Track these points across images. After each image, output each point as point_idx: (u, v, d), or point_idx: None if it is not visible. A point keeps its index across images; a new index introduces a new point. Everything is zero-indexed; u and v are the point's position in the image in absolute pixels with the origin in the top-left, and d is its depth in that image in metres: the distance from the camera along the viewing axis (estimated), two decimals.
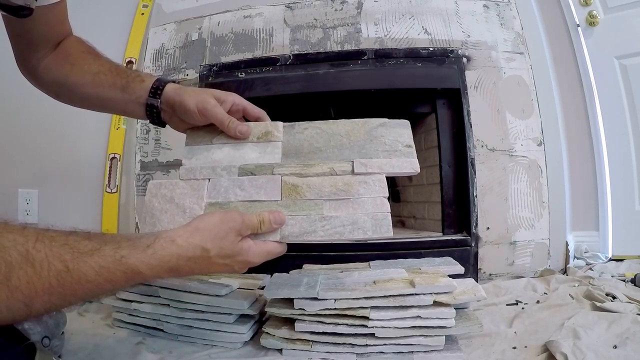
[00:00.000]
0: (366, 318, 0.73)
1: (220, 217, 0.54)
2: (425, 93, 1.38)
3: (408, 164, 0.67)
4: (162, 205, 0.64)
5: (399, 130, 0.71)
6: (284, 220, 0.61)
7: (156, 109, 0.71)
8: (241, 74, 1.43)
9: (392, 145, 0.68)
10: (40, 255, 0.38)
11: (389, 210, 0.62)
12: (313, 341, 0.76)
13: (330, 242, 1.30)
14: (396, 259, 1.12)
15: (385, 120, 0.73)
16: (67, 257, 0.40)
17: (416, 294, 0.73)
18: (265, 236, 0.60)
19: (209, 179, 0.67)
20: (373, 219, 0.61)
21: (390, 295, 0.74)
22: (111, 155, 1.58)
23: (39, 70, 0.74)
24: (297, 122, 0.74)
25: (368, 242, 1.30)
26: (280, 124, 0.74)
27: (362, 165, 0.65)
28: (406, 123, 0.72)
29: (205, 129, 0.74)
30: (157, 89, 0.71)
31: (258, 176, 0.66)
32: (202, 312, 0.83)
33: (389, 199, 0.64)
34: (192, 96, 0.69)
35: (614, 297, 0.95)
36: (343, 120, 0.72)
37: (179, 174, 0.70)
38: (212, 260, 0.52)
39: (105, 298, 0.45)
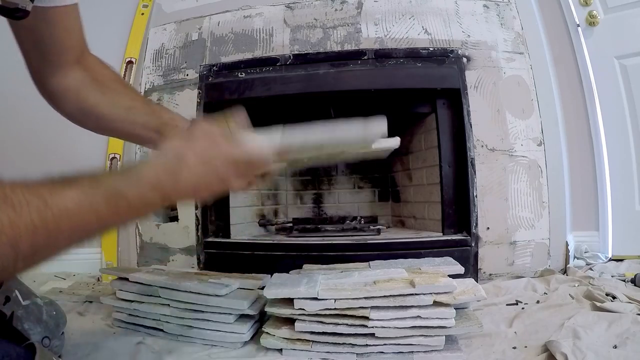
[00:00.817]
0: (366, 318, 0.73)
1: (198, 125, 0.54)
2: (425, 93, 1.38)
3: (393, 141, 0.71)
4: None
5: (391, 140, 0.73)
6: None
7: None
8: (241, 74, 1.43)
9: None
10: (18, 196, 0.37)
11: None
12: (313, 341, 0.76)
13: (330, 242, 1.31)
14: (396, 259, 1.12)
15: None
16: (44, 192, 0.38)
17: (416, 294, 0.73)
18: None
19: None
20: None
21: (390, 295, 0.74)
22: (111, 155, 1.58)
23: (59, 91, 0.69)
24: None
25: (368, 242, 1.31)
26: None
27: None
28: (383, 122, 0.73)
29: None
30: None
31: None
32: (202, 312, 0.83)
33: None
34: None
35: (614, 297, 0.95)
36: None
37: None
38: (187, 161, 0.49)
39: (96, 236, 0.41)
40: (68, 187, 0.40)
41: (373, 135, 0.61)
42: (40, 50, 0.66)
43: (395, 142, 0.71)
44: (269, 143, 0.56)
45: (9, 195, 0.36)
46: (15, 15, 0.52)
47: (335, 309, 0.74)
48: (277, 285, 0.80)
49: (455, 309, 0.74)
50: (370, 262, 1.06)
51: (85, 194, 0.40)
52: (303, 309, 0.75)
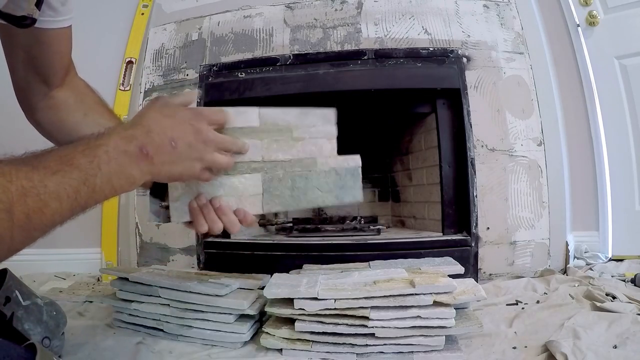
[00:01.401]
0: (366, 318, 0.73)
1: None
2: (425, 93, 1.38)
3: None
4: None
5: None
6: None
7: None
8: (241, 74, 1.43)
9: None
10: (6, 166, 0.39)
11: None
12: (313, 341, 0.76)
13: (330, 242, 1.31)
14: (396, 259, 1.12)
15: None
16: (30, 159, 0.41)
17: (416, 294, 0.73)
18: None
19: None
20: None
21: (390, 295, 0.74)
22: None
23: (42, 107, 0.72)
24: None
25: (368, 242, 1.31)
26: None
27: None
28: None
29: None
30: None
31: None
32: (202, 312, 0.83)
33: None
34: None
35: (614, 297, 0.95)
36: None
37: None
38: (163, 117, 0.52)
39: (85, 200, 0.44)
40: (49, 152, 0.43)
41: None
42: (29, 67, 0.67)
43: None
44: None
45: None
46: (22, 23, 0.54)
47: (335, 309, 0.74)
48: (277, 285, 0.80)
49: (455, 309, 0.74)
50: (370, 262, 1.06)
51: (65, 154, 0.42)
52: (303, 309, 0.75)
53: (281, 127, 0.79)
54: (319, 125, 0.80)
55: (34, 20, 0.56)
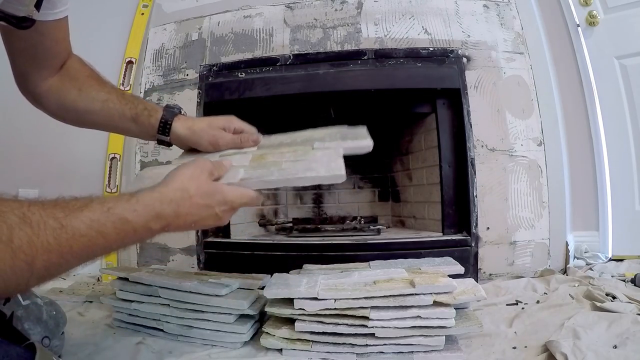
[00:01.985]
0: (366, 318, 0.73)
1: (190, 164, 0.58)
2: (425, 93, 1.38)
3: (363, 142, 0.73)
4: (149, 173, 0.73)
5: (357, 130, 0.78)
6: (230, 163, 0.66)
7: (166, 142, 0.79)
8: (241, 74, 1.43)
9: (349, 136, 0.76)
10: (36, 216, 0.40)
11: (343, 164, 0.66)
12: (313, 341, 0.76)
13: (330, 242, 1.31)
14: (396, 259, 1.12)
15: (345, 126, 0.82)
16: (59, 214, 0.42)
17: (416, 294, 0.73)
18: (226, 180, 0.62)
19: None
20: (327, 166, 0.65)
21: (390, 295, 0.74)
22: (111, 155, 1.58)
23: (42, 92, 0.74)
24: (273, 134, 0.83)
25: (368, 242, 1.31)
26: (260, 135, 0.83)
27: (321, 144, 0.73)
28: (363, 127, 0.79)
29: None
30: (166, 124, 0.77)
31: (234, 155, 0.74)
32: (202, 312, 0.83)
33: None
34: (203, 136, 0.77)
35: (614, 297, 0.95)
36: (309, 129, 0.82)
37: (173, 161, 0.81)
38: (193, 200, 0.53)
39: (101, 257, 0.47)
40: (80, 211, 0.43)
41: (335, 174, 0.64)
42: (29, 56, 0.70)
43: (366, 144, 0.74)
44: (256, 181, 0.62)
45: (27, 215, 0.39)
46: (22, 25, 0.56)
47: (335, 309, 0.74)
48: (277, 285, 0.80)
49: (455, 309, 0.74)
50: (370, 262, 1.06)
51: (96, 220, 0.44)
52: (303, 309, 0.75)
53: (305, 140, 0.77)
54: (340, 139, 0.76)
55: (33, 22, 0.57)
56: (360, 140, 0.73)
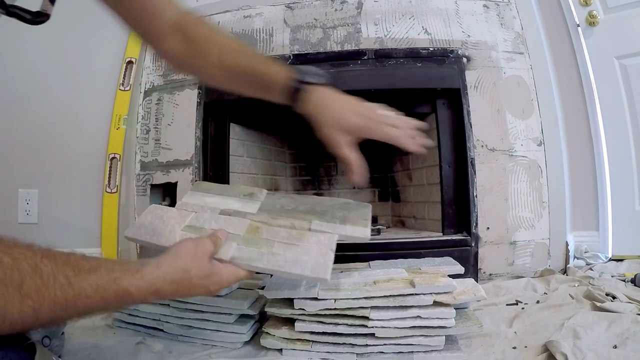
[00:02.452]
0: (366, 318, 0.73)
1: (192, 242, 0.60)
2: (425, 93, 1.38)
3: (360, 232, 0.74)
4: (152, 219, 0.75)
5: (361, 209, 0.80)
6: (226, 235, 0.67)
7: (299, 93, 0.70)
8: None
9: (350, 217, 0.76)
10: (47, 269, 0.42)
11: (332, 260, 0.66)
12: (313, 341, 0.76)
13: None
14: (396, 259, 1.12)
15: (350, 201, 0.84)
16: (69, 272, 0.44)
17: (416, 294, 0.73)
18: (218, 254, 0.64)
19: (196, 212, 0.79)
20: (315, 262, 0.66)
21: (390, 295, 0.74)
22: (111, 155, 1.58)
23: (165, 51, 0.73)
24: (278, 192, 0.88)
25: (368, 242, 1.30)
26: (265, 190, 0.87)
27: (318, 225, 0.74)
28: (368, 205, 0.81)
29: (208, 185, 0.88)
30: (299, 84, 0.70)
31: (233, 217, 0.77)
32: (202, 312, 0.83)
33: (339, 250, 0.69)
34: (341, 107, 0.69)
35: (614, 297, 0.95)
36: (314, 196, 0.87)
37: (176, 205, 0.82)
38: (192, 281, 0.56)
39: (97, 316, 0.49)
40: (88, 274, 0.46)
41: (319, 277, 0.65)
42: (134, 20, 0.71)
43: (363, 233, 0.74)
44: (244, 264, 0.64)
45: (39, 266, 0.42)
46: (36, 20, 0.56)
47: (335, 309, 0.74)
48: (277, 285, 0.80)
49: (455, 309, 0.74)
50: (370, 262, 1.06)
51: (101, 286, 0.47)
52: (303, 309, 0.75)
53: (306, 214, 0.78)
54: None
55: (48, 16, 0.58)
56: (358, 229, 0.73)
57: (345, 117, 0.69)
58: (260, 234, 0.72)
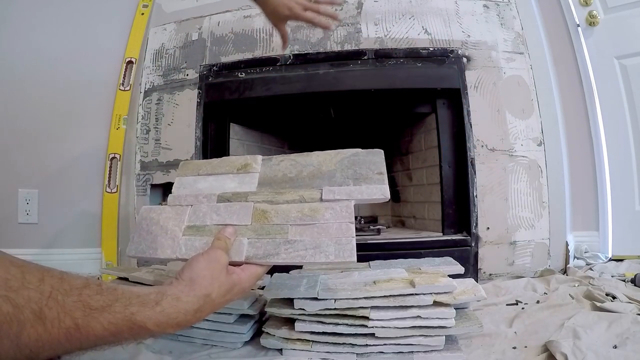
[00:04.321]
0: (366, 318, 0.73)
1: (205, 259, 0.56)
2: (425, 93, 1.38)
3: (378, 191, 0.66)
4: (149, 227, 0.69)
5: (372, 159, 0.72)
6: (234, 230, 0.64)
7: None
8: (241, 74, 1.43)
9: (363, 173, 0.69)
10: (52, 313, 0.40)
11: (354, 235, 0.61)
12: (313, 341, 0.76)
13: None
14: (396, 259, 1.12)
15: (358, 150, 0.74)
16: (78, 314, 0.41)
17: (416, 294, 0.73)
18: (231, 257, 0.61)
19: (192, 205, 0.72)
20: (337, 244, 0.60)
21: (390, 295, 0.74)
22: (111, 155, 1.58)
23: None
24: (274, 156, 0.77)
25: (368, 242, 1.31)
26: (259, 157, 0.78)
27: (330, 192, 0.66)
28: (379, 152, 0.73)
29: (195, 164, 0.81)
30: None
31: (233, 203, 0.70)
32: None
33: (356, 222, 0.63)
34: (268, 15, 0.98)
35: (614, 297, 0.95)
36: (317, 152, 0.74)
37: (167, 200, 0.76)
38: (215, 302, 0.54)
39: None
40: (101, 312, 0.42)
41: (345, 260, 0.60)
42: None
43: None
44: (262, 261, 0.60)
45: (43, 311, 0.39)
46: None
47: (335, 309, 0.74)
48: (277, 285, 0.80)
49: (455, 309, 0.74)
50: (370, 262, 1.06)
51: (115, 324, 0.43)
52: (303, 309, 0.75)
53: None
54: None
55: None
56: (374, 188, 0.66)
57: (278, 10, 0.96)
58: (268, 219, 0.65)
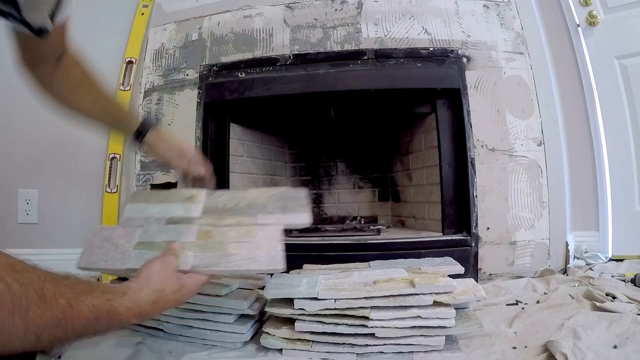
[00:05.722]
0: (366, 318, 0.73)
1: (159, 262, 0.65)
2: (425, 93, 1.38)
3: (300, 218, 0.79)
4: (100, 243, 0.77)
5: (297, 195, 0.83)
6: (181, 246, 0.72)
7: (139, 144, 0.90)
8: (241, 74, 1.43)
9: (289, 206, 0.81)
10: (50, 293, 0.45)
11: (283, 250, 0.72)
12: (313, 341, 0.76)
13: (330, 242, 1.31)
14: (396, 259, 1.12)
15: (286, 188, 0.87)
16: (69, 295, 0.47)
17: (416, 294, 0.73)
18: (179, 266, 0.68)
19: (142, 226, 0.79)
20: (268, 256, 0.71)
21: (390, 295, 0.74)
22: (111, 155, 1.58)
23: (38, 78, 0.81)
24: (216, 190, 0.89)
25: (368, 242, 1.31)
26: (204, 191, 0.87)
27: (262, 218, 0.78)
28: (303, 189, 0.85)
29: (146, 194, 0.92)
30: (140, 133, 0.88)
31: (180, 225, 0.78)
32: (202, 312, 0.83)
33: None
34: (173, 152, 0.91)
35: (614, 297, 0.95)
36: (252, 189, 0.87)
37: (119, 222, 0.83)
38: (168, 297, 0.62)
39: (91, 336, 0.53)
40: (85, 295, 0.49)
41: (275, 268, 0.71)
42: (32, 48, 0.76)
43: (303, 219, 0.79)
44: (205, 270, 0.69)
45: (43, 291, 0.44)
46: (40, 34, 0.64)
47: (335, 309, 0.74)
48: (277, 285, 0.80)
49: (455, 309, 0.74)
50: (370, 262, 1.06)
51: (97, 307, 0.50)
52: (303, 309, 0.75)
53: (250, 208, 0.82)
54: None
55: (48, 32, 0.65)
56: (298, 216, 0.79)
57: (171, 158, 0.93)
58: (211, 237, 0.74)
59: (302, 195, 0.83)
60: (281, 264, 0.71)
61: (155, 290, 0.60)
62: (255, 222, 0.77)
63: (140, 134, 0.88)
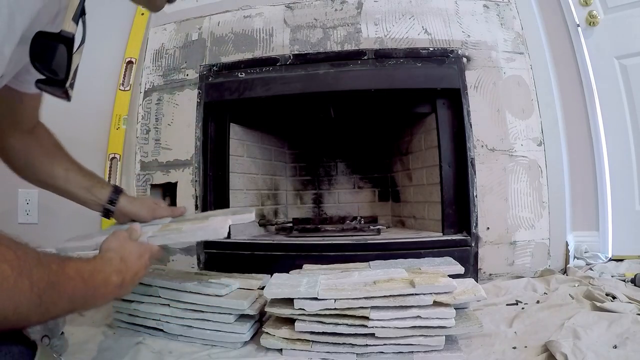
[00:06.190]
0: (366, 318, 0.73)
1: (112, 235, 0.71)
2: (425, 93, 1.38)
3: (247, 217, 0.89)
4: (72, 242, 0.88)
5: (246, 209, 0.95)
6: (140, 228, 0.79)
7: (110, 212, 0.93)
8: (241, 74, 1.43)
9: (238, 211, 0.93)
10: (45, 259, 0.49)
11: (229, 225, 0.81)
12: (313, 341, 0.76)
13: (330, 242, 1.31)
14: (396, 259, 1.12)
15: (238, 208, 1.00)
16: (57, 261, 0.52)
17: (416, 294, 0.73)
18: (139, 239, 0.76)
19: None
20: (215, 227, 0.79)
21: (390, 295, 0.74)
22: (111, 155, 1.58)
23: (11, 147, 0.85)
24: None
25: (368, 242, 1.31)
26: (167, 218, 0.97)
27: (215, 216, 0.88)
28: (253, 210, 0.93)
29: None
30: (112, 200, 0.92)
31: (146, 226, 0.88)
32: (202, 312, 0.83)
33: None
34: (143, 209, 0.95)
35: (614, 297, 0.95)
36: (209, 211, 1.04)
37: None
38: (132, 255, 0.68)
39: (81, 305, 0.57)
40: (68, 261, 0.54)
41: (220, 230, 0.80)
42: (7, 117, 0.82)
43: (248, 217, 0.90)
44: (159, 241, 0.77)
45: (39, 257, 0.48)
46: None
47: (335, 309, 0.74)
48: (277, 285, 0.80)
49: (455, 309, 0.74)
50: (370, 262, 1.06)
51: (80, 268, 0.55)
52: (303, 309, 0.75)
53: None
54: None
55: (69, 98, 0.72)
56: (245, 215, 0.89)
57: (145, 217, 0.95)
58: (170, 227, 0.85)
59: (251, 209, 0.94)
60: (225, 230, 0.79)
61: (115, 257, 0.65)
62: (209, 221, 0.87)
63: (112, 202, 0.93)
